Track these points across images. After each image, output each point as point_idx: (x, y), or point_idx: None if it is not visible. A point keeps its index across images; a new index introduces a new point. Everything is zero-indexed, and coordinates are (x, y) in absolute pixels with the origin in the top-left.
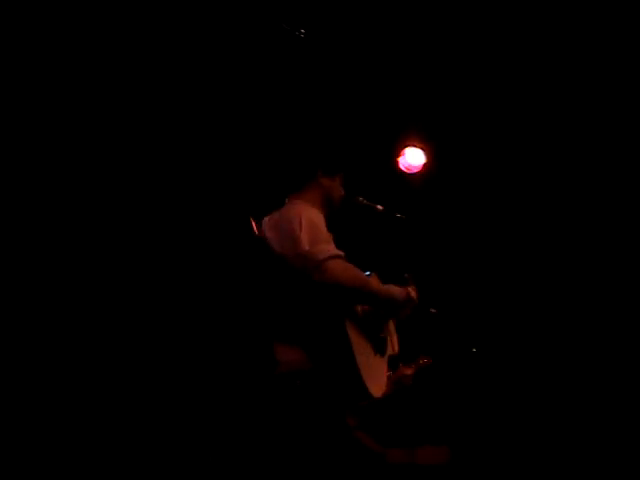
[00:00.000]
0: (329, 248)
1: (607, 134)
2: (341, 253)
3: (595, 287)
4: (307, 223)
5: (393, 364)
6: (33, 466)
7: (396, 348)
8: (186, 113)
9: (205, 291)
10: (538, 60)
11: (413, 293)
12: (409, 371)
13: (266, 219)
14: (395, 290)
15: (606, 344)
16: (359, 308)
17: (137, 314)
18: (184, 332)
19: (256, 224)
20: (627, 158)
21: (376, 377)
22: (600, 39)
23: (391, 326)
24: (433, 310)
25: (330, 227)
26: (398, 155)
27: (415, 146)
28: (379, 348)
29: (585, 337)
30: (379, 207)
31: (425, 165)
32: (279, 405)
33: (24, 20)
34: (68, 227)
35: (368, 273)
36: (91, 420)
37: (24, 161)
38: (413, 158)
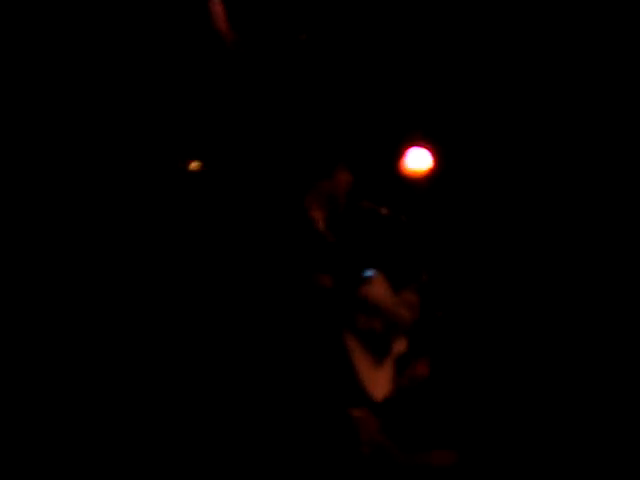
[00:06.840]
0: None
1: (615, 137)
2: None
3: (597, 287)
4: None
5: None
6: (33, 466)
7: (402, 348)
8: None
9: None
10: (544, 62)
11: (413, 299)
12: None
13: None
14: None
15: (606, 342)
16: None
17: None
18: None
19: None
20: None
21: (378, 379)
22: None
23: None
24: (439, 313)
25: (334, 225)
26: (403, 157)
27: (420, 148)
28: (382, 349)
29: (586, 336)
30: (383, 210)
31: (431, 168)
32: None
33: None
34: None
35: (371, 273)
36: (91, 420)
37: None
38: (418, 161)
